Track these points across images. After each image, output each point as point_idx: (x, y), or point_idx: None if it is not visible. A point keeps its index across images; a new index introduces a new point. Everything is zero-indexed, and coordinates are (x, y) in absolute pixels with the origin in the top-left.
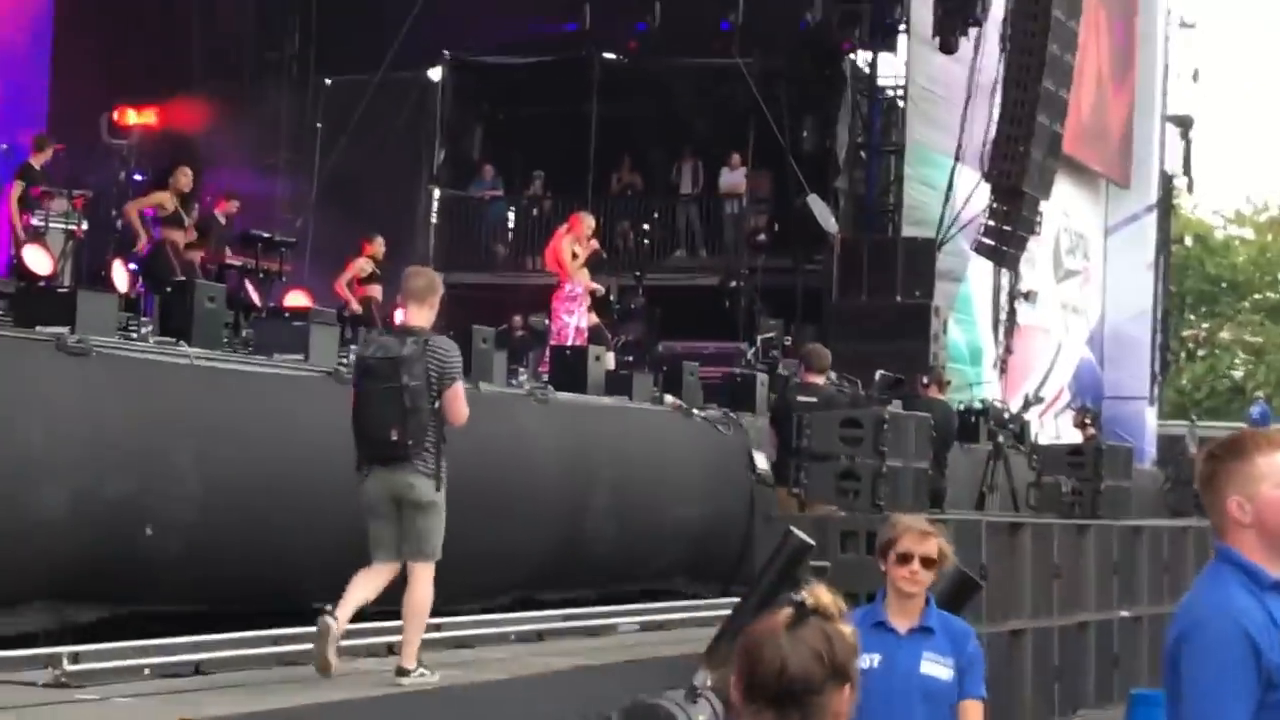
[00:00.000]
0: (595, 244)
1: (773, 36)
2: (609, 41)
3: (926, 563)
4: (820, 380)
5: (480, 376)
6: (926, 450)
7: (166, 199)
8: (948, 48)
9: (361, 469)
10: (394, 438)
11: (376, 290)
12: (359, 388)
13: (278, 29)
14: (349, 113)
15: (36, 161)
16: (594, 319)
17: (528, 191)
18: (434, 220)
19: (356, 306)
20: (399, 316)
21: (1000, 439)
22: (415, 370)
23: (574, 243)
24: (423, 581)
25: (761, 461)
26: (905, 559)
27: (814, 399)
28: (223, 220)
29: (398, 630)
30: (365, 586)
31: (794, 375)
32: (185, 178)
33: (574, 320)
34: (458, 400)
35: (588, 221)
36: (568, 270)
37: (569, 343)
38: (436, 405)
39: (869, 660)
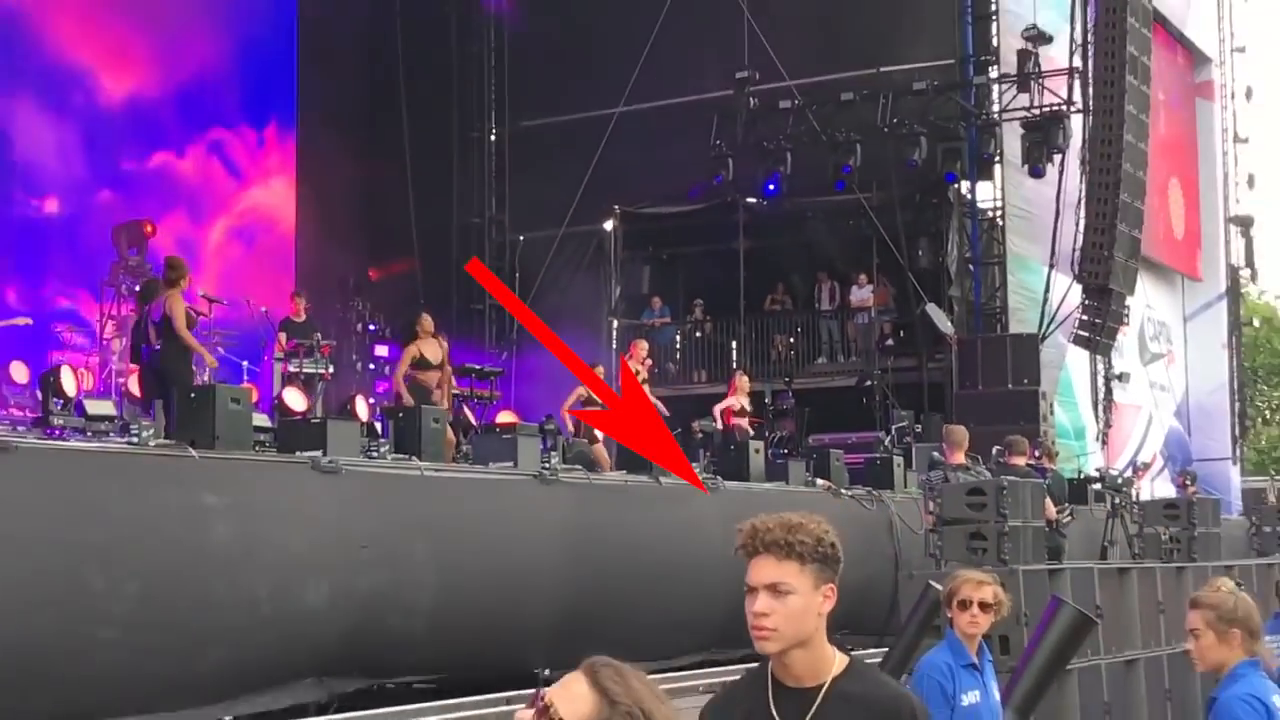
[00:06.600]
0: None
1: (886, 175)
2: (750, 188)
3: (984, 607)
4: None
5: (662, 472)
6: (1041, 511)
7: (414, 349)
8: (1036, 173)
9: None
10: None
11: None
12: None
13: (477, 198)
14: (539, 262)
15: (295, 315)
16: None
17: (690, 317)
18: (614, 346)
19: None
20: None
21: (1117, 500)
22: None
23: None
24: None
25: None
26: (965, 605)
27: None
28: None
29: None
30: None
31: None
32: (428, 322)
33: None
34: None
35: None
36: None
37: None
38: None
39: (972, 696)
